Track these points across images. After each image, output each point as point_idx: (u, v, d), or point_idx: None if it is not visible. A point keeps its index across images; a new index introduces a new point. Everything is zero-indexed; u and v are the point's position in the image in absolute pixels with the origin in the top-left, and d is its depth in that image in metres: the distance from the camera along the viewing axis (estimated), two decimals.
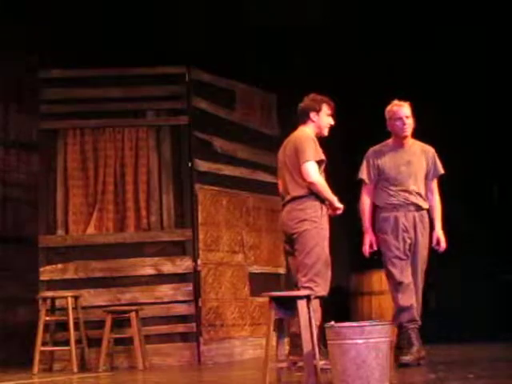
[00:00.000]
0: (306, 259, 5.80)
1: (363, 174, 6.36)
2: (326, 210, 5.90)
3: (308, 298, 4.93)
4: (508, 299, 8.41)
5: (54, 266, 7.64)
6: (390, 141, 6.40)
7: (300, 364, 5.23)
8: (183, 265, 7.75)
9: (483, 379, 4.72)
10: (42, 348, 7.20)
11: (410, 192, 6.24)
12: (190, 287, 7.72)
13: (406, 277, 6.11)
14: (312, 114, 6.10)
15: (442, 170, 6.43)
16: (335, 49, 8.78)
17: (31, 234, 8.17)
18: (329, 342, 4.43)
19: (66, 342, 7.19)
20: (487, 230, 8.48)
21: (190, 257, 7.76)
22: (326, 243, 5.89)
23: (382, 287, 8.85)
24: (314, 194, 5.83)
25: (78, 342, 7.28)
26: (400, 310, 6.12)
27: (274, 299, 4.92)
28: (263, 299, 7.29)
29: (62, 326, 7.33)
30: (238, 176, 8.45)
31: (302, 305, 4.83)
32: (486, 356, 5.59)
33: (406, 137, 6.30)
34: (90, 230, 7.75)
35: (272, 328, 4.92)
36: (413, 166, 6.29)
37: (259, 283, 8.28)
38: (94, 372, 7.05)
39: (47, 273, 7.62)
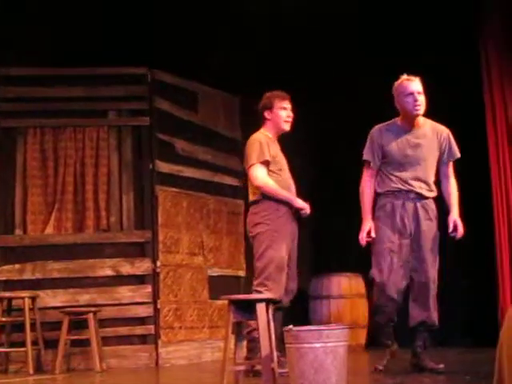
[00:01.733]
0: (257, 262, 5.67)
1: (368, 155, 5.71)
2: (284, 212, 5.70)
3: (267, 301, 4.92)
4: (466, 304, 8.47)
5: (11, 265, 7.56)
6: (397, 119, 5.72)
7: (257, 368, 5.22)
8: (142, 266, 7.71)
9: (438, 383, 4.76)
10: None
11: (415, 179, 5.60)
12: (148, 289, 7.69)
13: (394, 275, 5.52)
14: (266, 113, 5.92)
15: (457, 154, 5.74)
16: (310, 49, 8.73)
17: None
18: (287, 345, 4.44)
19: (22, 343, 7.09)
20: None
21: (150, 258, 7.73)
22: (282, 246, 5.65)
23: (341, 291, 8.90)
24: (269, 196, 5.69)
25: (35, 343, 7.19)
26: (378, 311, 5.69)
27: (233, 302, 4.90)
28: (222, 302, 7.28)
29: (19, 326, 7.23)
30: (199, 178, 8.44)
31: (261, 308, 4.82)
32: (441, 360, 5.63)
33: (417, 116, 5.61)
34: (49, 229, 7.68)
35: (230, 331, 4.90)
36: (422, 149, 5.62)
37: (219, 286, 8.27)
38: (51, 374, 6.98)
39: (4, 273, 7.53)
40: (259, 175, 5.68)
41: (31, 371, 6.98)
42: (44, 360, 7.27)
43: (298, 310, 8.70)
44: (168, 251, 7.92)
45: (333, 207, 8.98)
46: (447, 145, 5.71)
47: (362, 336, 8.85)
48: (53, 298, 7.54)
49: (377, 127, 5.77)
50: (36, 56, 8.12)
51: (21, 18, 8.26)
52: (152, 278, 7.71)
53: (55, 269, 7.60)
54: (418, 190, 5.59)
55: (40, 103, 7.82)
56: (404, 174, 5.60)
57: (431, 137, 5.67)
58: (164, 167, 8.01)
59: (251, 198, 5.81)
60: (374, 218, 5.68)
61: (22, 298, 7.19)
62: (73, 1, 8.33)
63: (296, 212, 5.82)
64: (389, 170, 5.65)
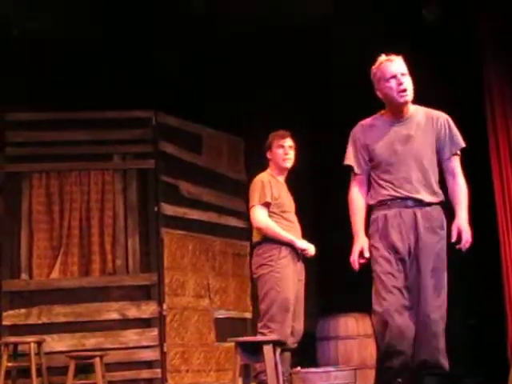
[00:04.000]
0: (261, 304, 5.69)
1: (350, 159, 4.70)
2: (287, 252, 5.65)
3: (274, 343, 4.90)
4: (473, 341, 8.41)
5: (17, 310, 7.53)
6: (383, 112, 4.74)
7: None
8: (148, 309, 7.68)
9: None
10: None
11: (409, 181, 4.52)
12: (155, 332, 7.65)
13: (397, 304, 4.41)
14: (268, 153, 5.97)
15: (462, 143, 4.65)
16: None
17: None
18: None
19: None
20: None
21: (156, 301, 7.71)
22: (285, 286, 5.58)
23: (349, 332, 8.85)
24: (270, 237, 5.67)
25: None
26: (388, 353, 4.42)
27: (240, 344, 4.88)
28: (229, 344, 7.24)
29: (25, 372, 7.19)
30: (204, 220, 8.44)
31: (268, 350, 4.79)
32: None
33: (405, 103, 4.59)
34: (55, 274, 7.67)
35: (238, 374, 4.87)
36: (414, 143, 4.56)
37: (225, 328, 8.23)
38: None
39: (10, 317, 7.51)
40: (259, 217, 5.69)
41: None
42: None
43: (306, 352, 8.66)
44: (174, 294, 7.89)
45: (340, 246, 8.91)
46: (447, 133, 4.64)
47: (370, 377, 8.77)
48: (59, 343, 7.50)
49: (358, 124, 4.78)
50: (39, 101, 8.15)
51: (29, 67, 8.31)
52: (158, 321, 7.68)
53: (61, 313, 7.58)
54: (416, 196, 4.53)
55: (45, 147, 7.85)
56: (396, 177, 4.56)
57: (425, 126, 4.62)
58: (169, 210, 8.01)
59: (254, 239, 5.81)
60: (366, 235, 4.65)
61: (28, 343, 7.15)
62: (72, 39, 8.37)
63: (301, 252, 5.80)
64: (378, 173, 4.63)
